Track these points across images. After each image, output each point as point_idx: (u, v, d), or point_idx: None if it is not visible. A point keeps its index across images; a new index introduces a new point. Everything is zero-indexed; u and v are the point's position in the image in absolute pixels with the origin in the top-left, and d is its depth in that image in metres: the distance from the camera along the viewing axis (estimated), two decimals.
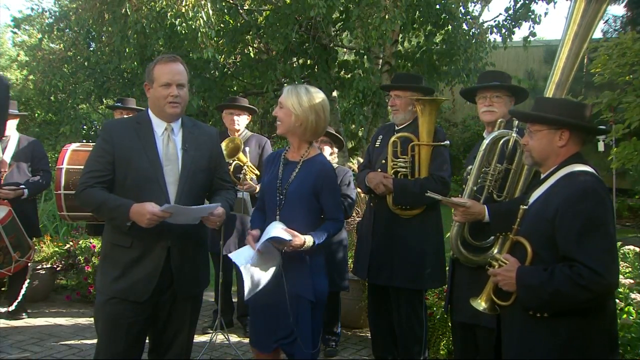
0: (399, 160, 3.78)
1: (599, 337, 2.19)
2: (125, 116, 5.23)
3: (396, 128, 3.92)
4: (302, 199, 2.90)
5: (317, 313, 2.95)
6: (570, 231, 2.14)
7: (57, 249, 6.05)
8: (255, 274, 2.82)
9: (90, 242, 5.94)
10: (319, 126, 2.94)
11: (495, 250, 2.94)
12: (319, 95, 2.93)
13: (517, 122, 3.04)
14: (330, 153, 4.52)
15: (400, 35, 10.08)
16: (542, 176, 2.41)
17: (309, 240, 2.84)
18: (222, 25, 9.62)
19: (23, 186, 5.09)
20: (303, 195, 2.90)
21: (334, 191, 3.02)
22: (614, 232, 2.19)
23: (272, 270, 2.85)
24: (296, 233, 2.82)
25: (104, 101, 10.68)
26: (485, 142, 3.08)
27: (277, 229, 2.81)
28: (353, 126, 11.27)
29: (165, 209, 2.61)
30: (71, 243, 6.10)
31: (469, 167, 3.18)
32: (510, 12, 10.07)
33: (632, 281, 3.74)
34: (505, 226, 2.43)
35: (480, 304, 2.51)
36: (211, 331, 4.63)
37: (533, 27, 10.02)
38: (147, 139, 2.79)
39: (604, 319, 2.21)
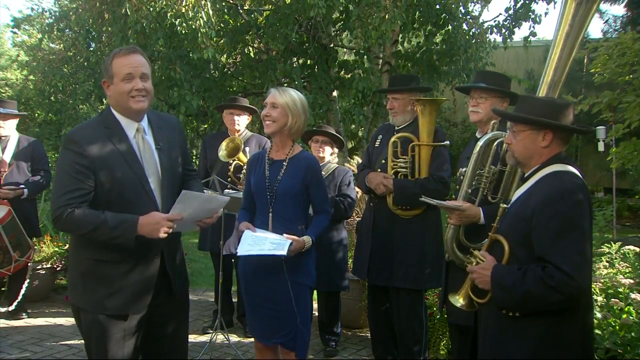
0: (399, 160, 3.78)
1: (571, 337, 2.18)
2: None
3: (396, 128, 3.92)
4: (292, 194, 3.07)
5: (312, 298, 3.23)
6: (545, 232, 2.14)
7: (57, 249, 6.05)
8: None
9: None
10: (304, 125, 3.17)
11: None
12: (303, 97, 3.15)
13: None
14: (330, 153, 4.52)
15: (400, 35, 10.07)
16: (525, 175, 2.41)
17: (307, 240, 3.04)
18: (222, 25, 9.60)
19: (23, 186, 5.10)
20: (293, 191, 3.07)
21: (321, 184, 3.21)
22: (590, 235, 2.18)
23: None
24: (295, 237, 2.99)
25: (104, 101, 10.67)
26: (479, 144, 3.07)
27: (270, 244, 2.94)
28: (353, 126, 11.26)
29: (176, 208, 2.47)
30: None
31: (463, 169, 3.18)
32: (511, 12, 10.05)
33: (632, 281, 3.74)
34: None
35: (458, 300, 2.54)
36: (211, 331, 4.63)
37: (533, 27, 10.00)
38: (123, 144, 2.55)
39: (576, 319, 2.20)
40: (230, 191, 4.15)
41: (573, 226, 2.13)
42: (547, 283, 2.08)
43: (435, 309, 4.25)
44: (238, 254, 3.01)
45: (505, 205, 2.41)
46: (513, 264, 2.24)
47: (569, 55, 2.96)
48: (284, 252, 2.90)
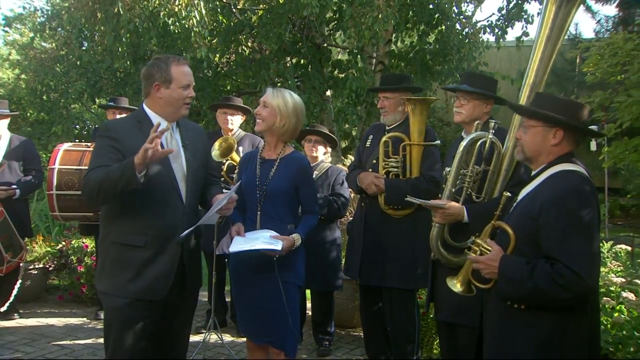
0: (390, 160, 3.79)
1: (579, 337, 2.18)
2: (117, 116, 5.22)
3: (387, 128, 3.92)
4: (282, 194, 3.09)
5: (300, 297, 3.26)
6: (553, 230, 2.14)
7: (49, 249, 6.03)
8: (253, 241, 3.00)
9: (83, 242, 5.92)
10: (296, 129, 3.16)
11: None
12: (300, 101, 3.15)
13: (493, 123, 3.06)
14: (323, 152, 4.53)
15: (394, 35, 10.07)
16: (532, 173, 2.42)
17: (297, 238, 3.05)
18: (215, 24, 9.58)
19: (15, 186, 5.07)
20: (283, 191, 3.08)
21: (311, 185, 3.23)
22: (597, 234, 2.18)
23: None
24: (284, 237, 3.00)
25: (97, 101, 10.62)
26: (463, 144, 3.09)
27: (263, 242, 2.94)
28: (346, 126, 11.25)
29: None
30: (63, 243, 6.08)
31: (448, 169, 3.19)
32: (503, 12, 10.09)
33: (623, 280, 3.76)
34: (485, 226, 2.44)
35: (456, 285, 2.56)
36: (204, 331, 4.62)
37: (526, 27, 10.04)
38: None
39: (586, 318, 2.20)
40: (224, 190, 4.15)
41: (581, 225, 2.12)
42: (556, 281, 2.08)
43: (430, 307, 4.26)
44: (230, 251, 3.03)
45: (507, 194, 2.41)
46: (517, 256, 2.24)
47: (550, 58, 2.96)
48: (279, 248, 2.92)
